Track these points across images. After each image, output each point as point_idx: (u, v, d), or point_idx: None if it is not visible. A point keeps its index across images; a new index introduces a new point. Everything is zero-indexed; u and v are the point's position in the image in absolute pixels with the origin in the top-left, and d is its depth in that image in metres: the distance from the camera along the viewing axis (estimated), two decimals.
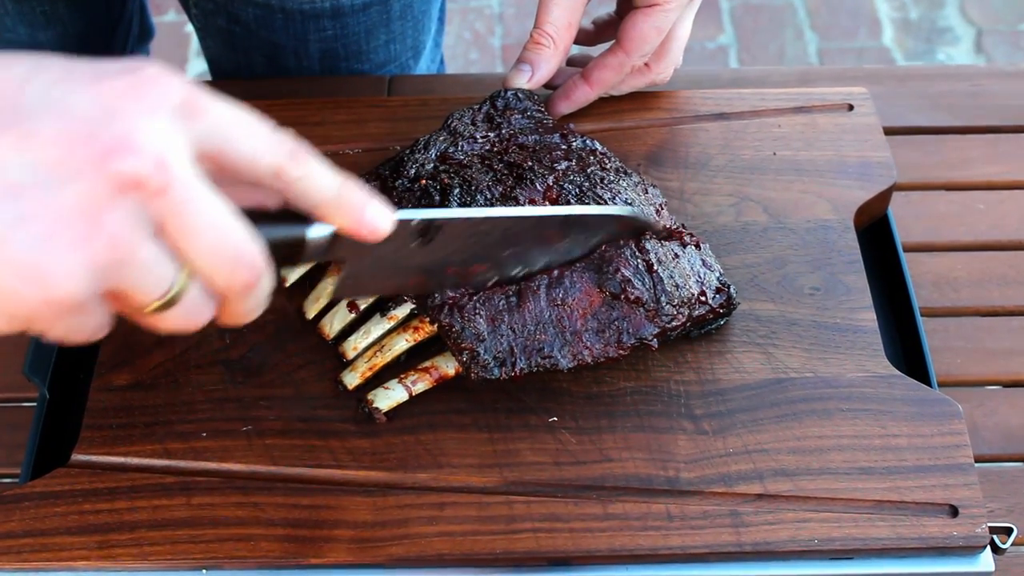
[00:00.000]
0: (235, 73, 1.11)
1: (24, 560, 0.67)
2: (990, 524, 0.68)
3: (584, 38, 0.91)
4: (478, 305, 0.70)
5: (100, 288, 0.50)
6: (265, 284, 0.55)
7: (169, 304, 0.52)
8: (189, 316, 0.53)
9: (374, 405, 0.71)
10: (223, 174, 0.53)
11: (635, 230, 0.73)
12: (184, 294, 0.52)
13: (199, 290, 0.53)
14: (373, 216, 0.57)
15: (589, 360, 0.70)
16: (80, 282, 0.48)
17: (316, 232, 0.58)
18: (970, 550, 0.67)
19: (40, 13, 1.08)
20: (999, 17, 2.40)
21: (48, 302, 0.48)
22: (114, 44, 1.20)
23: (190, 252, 0.51)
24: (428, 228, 0.64)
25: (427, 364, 0.72)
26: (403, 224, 0.61)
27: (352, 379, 0.74)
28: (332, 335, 0.75)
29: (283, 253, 0.57)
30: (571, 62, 0.91)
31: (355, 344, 0.74)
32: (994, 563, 0.68)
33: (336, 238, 0.59)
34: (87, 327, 0.51)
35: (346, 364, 0.74)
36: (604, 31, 0.91)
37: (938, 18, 2.40)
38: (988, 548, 0.68)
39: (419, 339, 0.74)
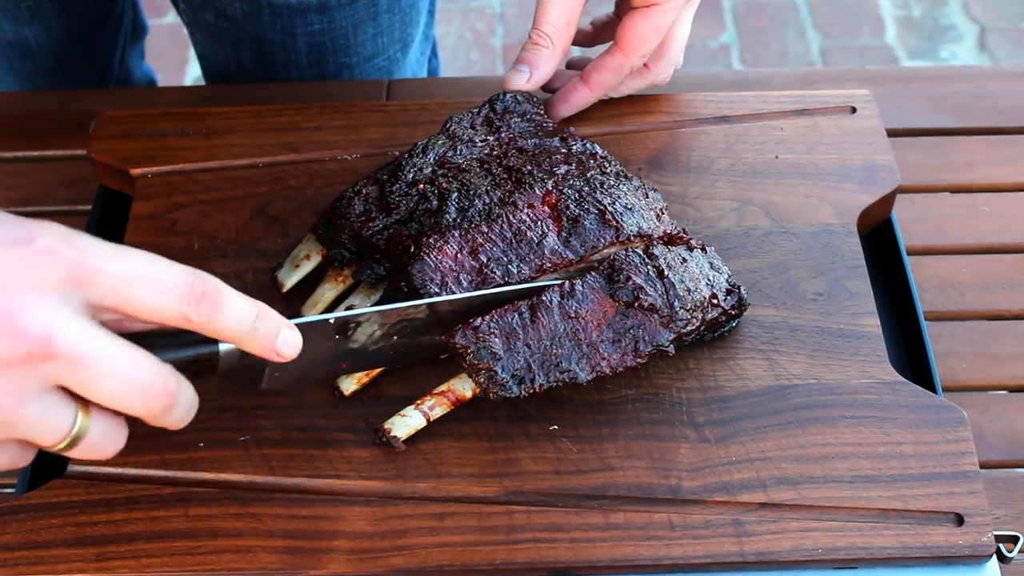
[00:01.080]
0: (224, 68, 1.11)
1: (20, 573, 0.66)
2: (996, 532, 0.68)
3: (583, 39, 0.90)
4: (492, 324, 0.69)
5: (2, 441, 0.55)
6: (185, 397, 0.59)
7: (75, 442, 0.56)
8: (98, 447, 0.58)
9: (392, 434, 0.70)
10: (131, 321, 0.57)
11: None
12: (87, 432, 0.56)
13: (103, 424, 0.57)
14: (284, 343, 0.61)
15: (607, 371, 0.69)
16: None
17: (229, 346, 0.61)
18: (976, 559, 0.67)
19: (25, 8, 1.08)
20: (1002, 15, 2.39)
21: None
22: (104, 41, 1.19)
23: (96, 397, 0.55)
24: (345, 325, 0.67)
25: (443, 388, 0.71)
26: (321, 325, 0.66)
27: (348, 385, 0.73)
28: None
29: (198, 367, 0.61)
30: (570, 65, 0.90)
31: None
32: (1000, 572, 0.67)
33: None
34: (8, 463, 0.57)
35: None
36: (603, 32, 0.90)
37: (941, 16, 2.39)
38: (994, 557, 0.67)
39: None
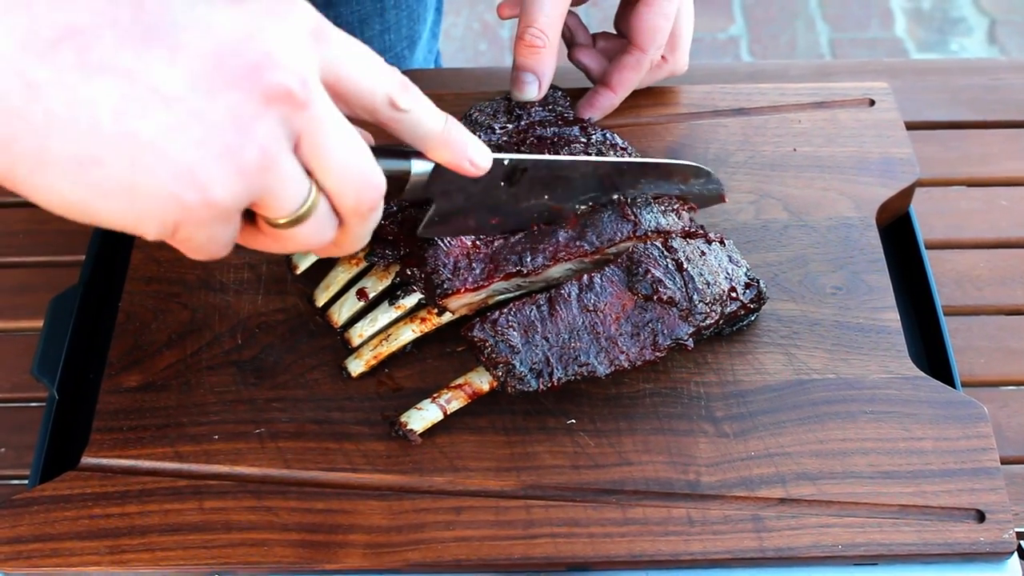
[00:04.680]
0: None
1: (33, 565, 0.66)
2: (1018, 529, 0.67)
3: (585, 43, 0.88)
4: (510, 317, 0.69)
5: (247, 196, 0.52)
6: (379, 212, 0.57)
7: (300, 219, 0.54)
8: (316, 233, 0.55)
9: (408, 427, 0.70)
10: (339, 103, 0.55)
11: (703, 184, 0.78)
12: (315, 210, 0.54)
13: (327, 208, 0.55)
14: (475, 152, 0.62)
15: (626, 365, 0.69)
16: (232, 187, 0.50)
17: (419, 167, 0.62)
18: (997, 556, 0.66)
19: None
20: (1013, 7, 2.38)
21: (203, 206, 0.50)
22: None
23: (324, 169, 0.53)
24: (515, 170, 0.68)
25: (460, 381, 0.71)
26: (495, 164, 0.65)
27: (356, 366, 0.73)
28: (340, 323, 0.75)
29: (387, 187, 0.59)
30: (590, 76, 0.88)
31: (361, 331, 0.74)
32: (1022, 569, 0.67)
33: (434, 175, 0.63)
34: (223, 239, 0.53)
35: (348, 353, 0.73)
36: (610, 49, 0.89)
37: (951, 8, 2.38)
38: (1015, 554, 0.66)
39: (426, 330, 0.73)
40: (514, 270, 0.71)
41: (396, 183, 0.62)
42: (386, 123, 0.58)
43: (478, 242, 0.71)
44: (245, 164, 0.50)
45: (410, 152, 0.62)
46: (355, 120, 0.56)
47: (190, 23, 0.50)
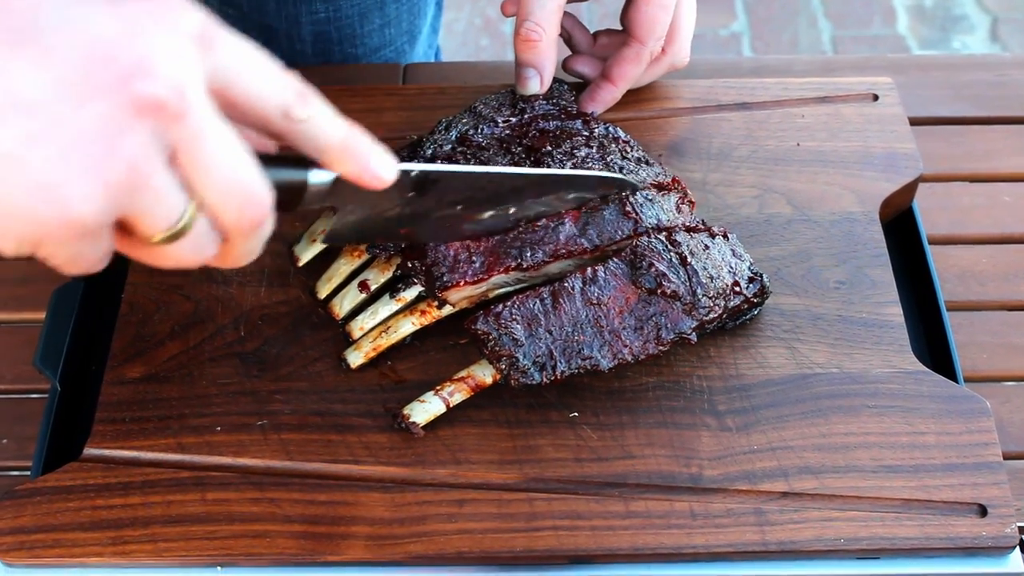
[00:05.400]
0: None
1: (36, 556, 0.66)
2: (1020, 524, 0.67)
3: (584, 41, 0.88)
4: (513, 310, 0.69)
5: (113, 213, 0.48)
6: (268, 227, 0.54)
7: (177, 236, 0.51)
8: (194, 250, 0.52)
9: (411, 419, 0.70)
10: (230, 111, 0.52)
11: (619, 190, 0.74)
12: (192, 227, 0.51)
13: (206, 224, 0.52)
14: (378, 164, 0.57)
15: (629, 358, 0.69)
16: (96, 204, 0.47)
17: (317, 177, 0.58)
18: (999, 550, 0.66)
19: None
20: (1015, 5, 2.38)
21: (63, 223, 0.47)
22: None
23: (202, 183, 0.50)
24: (425, 180, 0.65)
25: (463, 374, 0.70)
26: (402, 174, 0.62)
27: (356, 358, 0.73)
28: (342, 315, 0.75)
29: (282, 197, 0.57)
30: (589, 81, 0.88)
31: (362, 324, 0.74)
32: None
33: (335, 185, 0.59)
34: (91, 256, 0.50)
35: (351, 343, 0.73)
36: (611, 45, 0.88)
37: (953, 5, 2.38)
38: (1018, 549, 0.66)
39: (426, 323, 0.73)
40: (514, 264, 0.71)
41: (293, 193, 0.58)
42: (282, 134, 0.55)
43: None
44: (111, 179, 0.47)
45: (310, 161, 0.58)
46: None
47: (61, 24, 0.47)
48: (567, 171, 0.73)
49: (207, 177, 0.50)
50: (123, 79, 0.47)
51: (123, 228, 0.50)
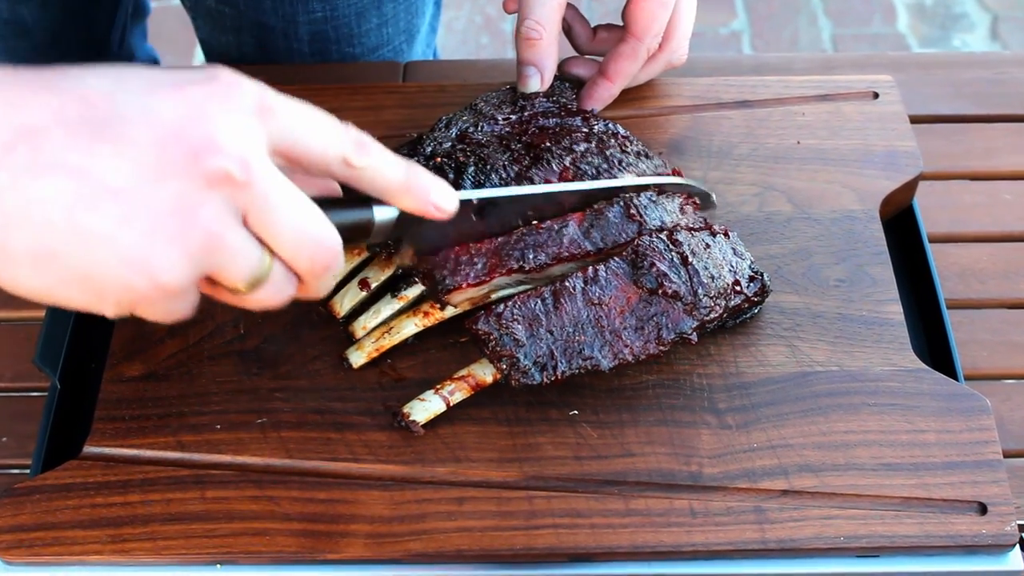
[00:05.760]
0: (225, 54, 1.10)
1: (35, 554, 0.66)
2: (1020, 522, 0.67)
3: (584, 38, 0.88)
4: (514, 311, 0.68)
5: (197, 274, 0.54)
6: (339, 266, 0.59)
7: (257, 284, 0.56)
8: (275, 293, 0.58)
9: (411, 418, 0.69)
10: (293, 166, 0.57)
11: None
12: (270, 274, 0.57)
13: (282, 270, 0.57)
14: (439, 198, 0.62)
15: (630, 358, 0.69)
16: (182, 270, 0.53)
17: (383, 214, 0.63)
18: (999, 548, 0.66)
19: None
20: (1015, 3, 2.38)
21: (153, 289, 0.53)
22: (101, 19, 1.18)
23: (274, 239, 0.56)
24: (485, 205, 0.69)
25: (463, 373, 0.70)
26: (463, 203, 0.66)
27: (358, 358, 0.73)
28: (343, 313, 0.74)
29: (351, 235, 0.61)
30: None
31: (364, 323, 0.73)
32: None
33: (401, 217, 0.63)
34: (182, 309, 0.56)
35: (353, 342, 0.73)
36: (610, 40, 0.88)
37: (953, 4, 2.38)
38: (1017, 547, 0.66)
39: (428, 324, 0.73)
40: (516, 267, 0.70)
41: (361, 230, 0.63)
42: (345, 180, 0.60)
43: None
44: (191, 247, 0.53)
45: (373, 199, 0.62)
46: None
47: (134, 114, 0.52)
48: (629, 180, 0.75)
49: (277, 233, 0.55)
50: (193, 158, 0.52)
51: (210, 279, 0.56)
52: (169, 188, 0.52)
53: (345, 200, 0.62)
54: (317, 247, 0.57)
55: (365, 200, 0.62)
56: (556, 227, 0.71)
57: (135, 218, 0.52)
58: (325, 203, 0.58)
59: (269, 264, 0.56)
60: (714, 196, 0.79)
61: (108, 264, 0.52)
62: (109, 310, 0.55)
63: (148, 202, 0.52)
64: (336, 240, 0.58)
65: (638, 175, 0.75)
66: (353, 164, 0.58)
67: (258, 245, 0.55)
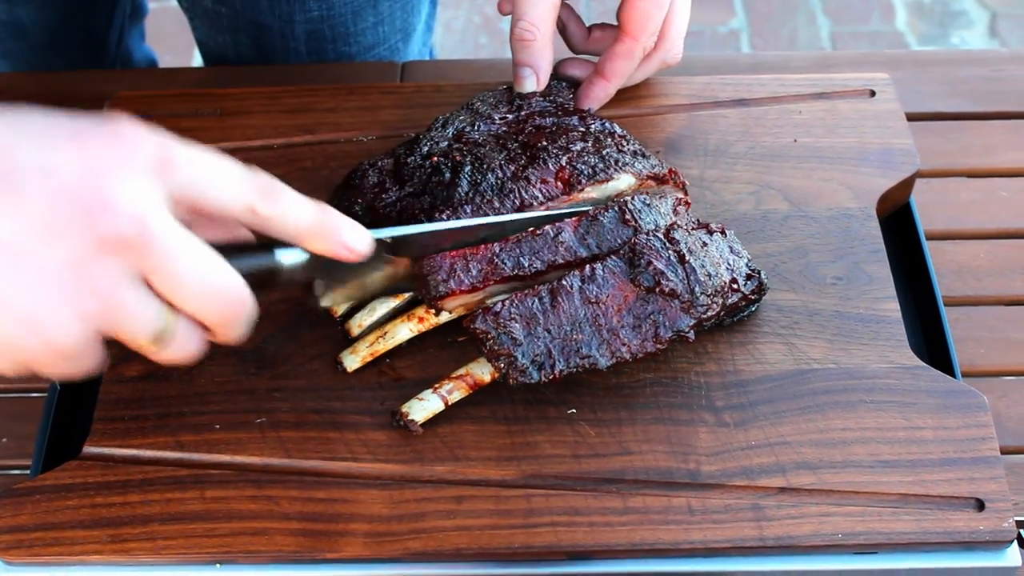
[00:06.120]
0: (223, 55, 1.11)
1: (36, 554, 0.66)
2: (1017, 518, 0.67)
3: (579, 38, 0.88)
4: (512, 309, 0.69)
5: (93, 335, 0.54)
6: (250, 310, 0.59)
7: (160, 340, 0.56)
8: (184, 347, 0.58)
9: (409, 417, 0.70)
10: (199, 216, 0.57)
11: None
12: (173, 331, 0.56)
13: (188, 324, 0.57)
14: (351, 238, 0.62)
15: (628, 356, 0.69)
16: (75, 332, 0.53)
17: (289, 258, 0.62)
18: (997, 544, 0.66)
19: None
20: (1014, 0, 2.38)
21: (47, 351, 0.53)
22: (98, 20, 1.18)
23: (177, 296, 0.55)
24: (401, 243, 0.68)
25: (461, 372, 0.70)
26: (376, 242, 0.65)
27: (352, 362, 0.73)
28: (340, 312, 0.75)
29: (260, 280, 0.60)
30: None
31: (360, 321, 0.74)
32: (1021, 558, 0.67)
33: (311, 259, 0.62)
34: (84, 367, 0.55)
35: (348, 343, 0.73)
36: (605, 39, 0.88)
37: (952, 1, 2.38)
38: (1015, 543, 0.67)
39: (423, 329, 0.73)
40: (511, 274, 0.70)
41: (269, 275, 0.62)
42: (254, 227, 0.59)
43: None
44: (86, 310, 0.52)
45: (280, 243, 0.62)
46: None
47: (32, 167, 0.52)
48: (540, 213, 0.73)
49: (180, 289, 0.55)
50: (88, 218, 0.52)
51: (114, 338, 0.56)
52: (62, 248, 0.51)
53: (251, 246, 0.61)
54: (222, 299, 0.56)
55: (272, 245, 0.61)
56: (552, 233, 0.71)
57: (27, 275, 0.51)
58: (230, 250, 0.58)
59: (171, 321, 0.56)
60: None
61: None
62: (6, 369, 0.54)
63: (40, 261, 0.51)
64: (241, 289, 0.57)
65: (635, 175, 0.75)
66: (259, 212, 0.58)
67: (158, 303, 0.55)
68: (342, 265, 0.64)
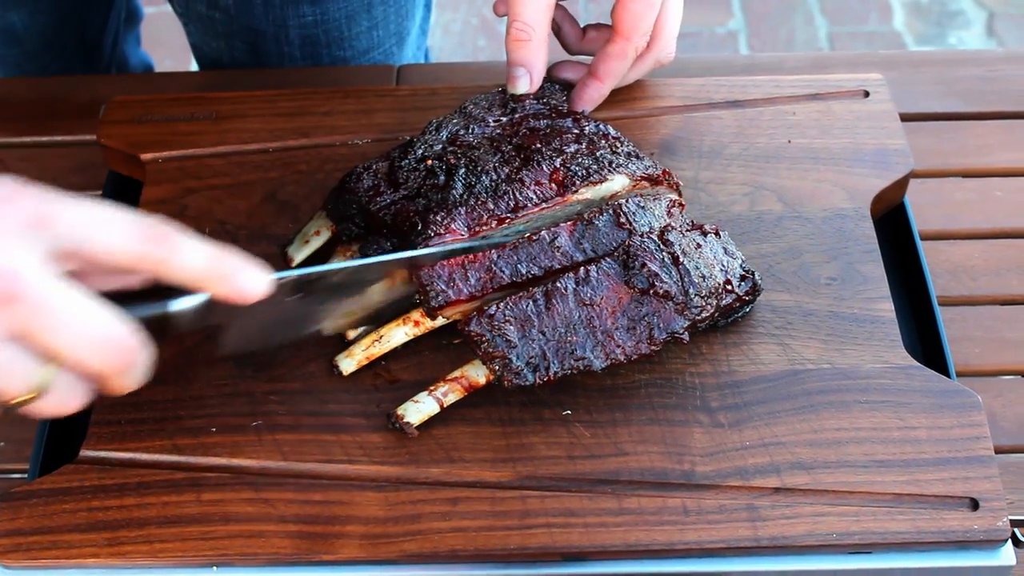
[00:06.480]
0: (218, 60, 1.11)
1: (33, 558, 0.66)
2: (1011, 517, 0.67)
3: (573, 38, 0.89)
4: (506, 312, 0.69)
5: None
6: (142, 359, 0.58)
7: (39, 395, 0.56)
8: (65, 399, 0.57)
9: (405, 420, 0.70)
10: (90, 266, 0.56)
11: None
12: (51, 386, 0.56)
13: (68, 379, 0.57)
14: (247, 281, 0.60)
15: (622, 358, 0.69)
16: None
17: (181, 305, 0.61)
18: (991, 543, 0.66)
19: None
20: (1011, 0, 2.38)
21: None
22: (93, 25, 1.18)
23: (57, 348, 0.55)
24: (305, 282, 0.66)
25: (456, 374, 0.71)
26: (278, 283, 0.63)
27: (348, 365, 0.73)
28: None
29: (156, 326, 0.60)
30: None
31: None
32: (1015, 557, 0.67)
33: (211, 304, 0.61)
34: None
35: (343, 347, 0.73)
36: (599, 39, 0.89)
37: (949, 1, 2.39)
38: (1009, 542, 0.67)
39: (419, 334, 0.73)
40: (508, 281, 0.70)
41: (164, 323, 0.61)
42: (146, 274, 0.59)
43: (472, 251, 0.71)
44: None
45: (174, 290, 0.60)
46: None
47: None
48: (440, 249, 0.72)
49: (60, 342, 0.55)
50: None
51: None
52: None
53: (141, 293, 0.60)
54: (108, 348, 0.56)
55: (164, 291, 0.60)
56: (548, 238, 0.71)
57: None
58: (122, 298, 0.57)
59: (49, 377, 0.56)
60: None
61: None
62: None
63: None
64: (129, 337, 0.57)
65: (629, 176, 0.75)
66: (149, 260, 0.57)
67: (31, 359, 0.55)
68: (243, 310, 0.62)
